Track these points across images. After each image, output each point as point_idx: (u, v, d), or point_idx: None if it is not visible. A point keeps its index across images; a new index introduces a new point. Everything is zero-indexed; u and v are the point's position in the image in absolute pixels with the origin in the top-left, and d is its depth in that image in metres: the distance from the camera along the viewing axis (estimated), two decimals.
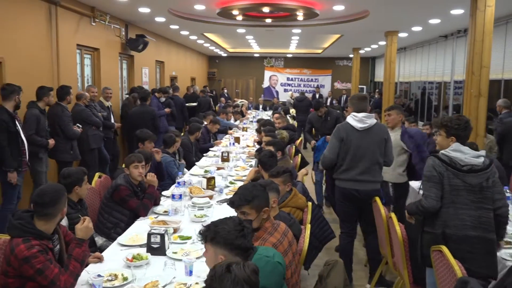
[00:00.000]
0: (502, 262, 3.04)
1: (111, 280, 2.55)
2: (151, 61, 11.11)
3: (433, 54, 11.74)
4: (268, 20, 8.68)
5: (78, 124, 6.01)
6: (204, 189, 4.52)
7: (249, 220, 2.56)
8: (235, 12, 7.56)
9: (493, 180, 2.93)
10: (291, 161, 5.60)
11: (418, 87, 13.54)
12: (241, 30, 10.81)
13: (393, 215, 3.46)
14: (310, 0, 7.17)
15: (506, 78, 8.06)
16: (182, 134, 7.33)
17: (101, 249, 3.39)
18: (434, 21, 8.61)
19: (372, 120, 4.05)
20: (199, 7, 7.61)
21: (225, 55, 18.69)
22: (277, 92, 19.70)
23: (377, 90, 15.88)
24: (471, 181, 2.88)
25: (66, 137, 5.77)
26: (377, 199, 3.85)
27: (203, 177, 5.00)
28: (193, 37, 12.45)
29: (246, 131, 9.90)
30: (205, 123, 8.23)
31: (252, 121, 11.68)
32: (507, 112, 6.72)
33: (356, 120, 4.04)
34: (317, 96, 16.77)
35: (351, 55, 15.79)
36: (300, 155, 6.09)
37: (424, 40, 11.98)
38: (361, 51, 14.86)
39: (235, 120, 11.35)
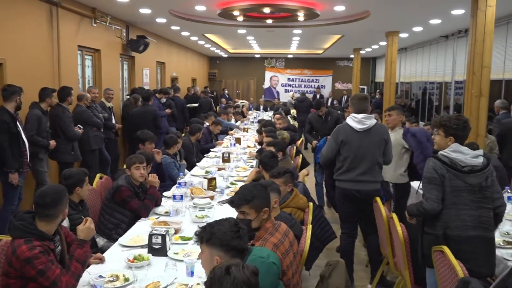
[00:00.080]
0: (504, 262, 3.04)
1: (113, 281, 2.55)
2: (152, 62, 11.12)
3: (434, 54, 11.73)
4: (269, 21, 8.69)
5: (79, 125, 6.01)
6: (205, 189, 4.52)
7: (249, 219, 2.58)
8: (236, 13, 7.56)
9: (492, 179, 2.94)
10: (292, 162, 5.60)
11: (419, 87, 13.53)
12: (241, 31, 10.81)
13: (394, 215, 3.46)
14: (310, 0, 7.18)
15: (507, 78, 8.06)
16: (183, 135, 7.33)
17: (103, 250, 3.39)
18: (435, 21, 8.61)
19: (371, 121, 4.05)
20: (200, 8, 7.62)
21: (225, 55, 18.70)
22: (278, 92, 19.69)
23: (378, 91, 15.88)
24: (471, 181, 2.88)
25: (67, 138, 5.78)
26: (378, 199, 3.85)
27: (204, 177, 5.00)
28: (193, 38, 12.46)
29: (247, 131, 9.91)
30: (207, 124, 8.24)
31: (253, 122, 11.68)
32: (504, 112, 6.73)
33: (355, 121, 4.04)
34: (317, 96, 16.76)
35: (352, 56, 15.78)
36: (301, 155, 6.09)
37: (425, 40, 11.97)
38: (362, 52, 14.86)
39: (236, 121, 11.35)
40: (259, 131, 7.52)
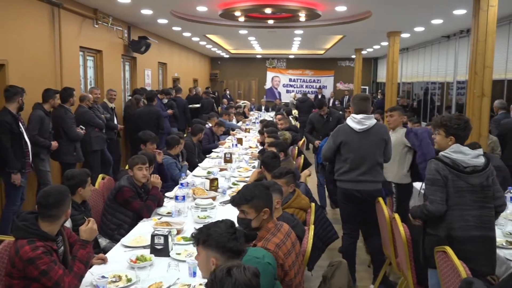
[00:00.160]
0: (507, 263, 3.03)
1: (115, 282, 2.56)
2: (153, 63, 11.13)
3: (436, 54, 11.72)
4: (270, 21, 8.69)
5: (81, 126, 6.02)
6: (207, 190, 4.53)
7: (249, 219, 2.59)
8: (237, 13, 7.56)
9: (492, 179, 2.94)
10: (294, 162, 5.60)
11: (420, 87, 13.51)
12: (243, 31, 10.82)
13: (396, 215, 3.46)
14: (312, 1, 7.17)
15: (509, 78, 8.04)
16: (185, 135, 7.34)
17: (105, 250, 3.39)
18: (437, 21, 8.60)
19: (371, 121, 4.04)
20: (202, 8, 7.63)
21: (227, 56, 18.71)
22: (279, 93, 19.69)
23: (379, 91, 15.87)
24: (473, 181, 2.88)
25: (69, 139, 5.79)
26: (381, 199, 3.85)
27: (206, 178, 5.00)
28: (195, 39, 12.47)
29: (249, 132, 9.91)
30: (209, 124, 8.25)
31: (254, 122, 11.68)
32: (503, 113, 6.73)
33: (355, 122, 4.04)
34: (319, 97, 16.74)
35: (353, 56, 15.77)
36: (303, 156, 6.08)
37: (427, 40, 11.96)
38: (364, 52, 14.85)
39: (237, 121, 11.35)
40: (260, 132, 7.52)
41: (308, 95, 14.25)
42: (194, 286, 2.50)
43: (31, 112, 5.31)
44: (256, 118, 12.68)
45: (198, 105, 11.91)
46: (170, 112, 9.04)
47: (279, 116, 8.42)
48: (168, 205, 4.10)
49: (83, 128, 6.04)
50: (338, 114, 6.98)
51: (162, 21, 8.95)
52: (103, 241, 3.68)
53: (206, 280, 2.15)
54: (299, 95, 15.76)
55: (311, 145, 8.00)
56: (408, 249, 3.27)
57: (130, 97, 8.86)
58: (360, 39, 11.96)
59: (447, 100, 11.08)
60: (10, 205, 4.88)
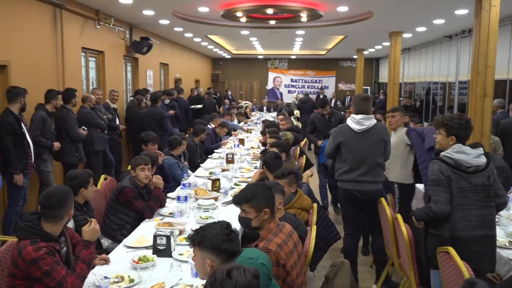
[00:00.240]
0: (510, 263, 3.02)
1: (118, 282, 2.56)
2: (155, 64, 11.14)
3: (438, 54, 11.70)
4: (272, 22, 8.69)
5: (83, 127, 6.03)
6: (209, 191, 4.53)
7: (249, 218, 2.60)
8: (239, 14, 7.57)
9: (494, 178, 2.94)
10: (296, 163, 5.59)
11: (422, 87, 13.49)
12: (245, 32, 10.82)
13: (399, 216, 3.45)
14: (314, 1, 7.17)
15: (511, 78, 8.02)
16: (186, 136, 7.34)
17: (107, 251, 3.40)
18: (439, 21, 8.59)
19: (371, 122, 4.03)
20: (203, 9, 7.63)
21: (228, 57, 18.72)
22: (281, 93, 19.69)
23: (381, 91, 15.85)
24: (475, 181, 2.88)
25: (72, 140, 5.80)
26: (383, 200, 3.85)
27: (208, 179, 5.01)
28: (197, 39, 12.48)
29: (251, 132, 9.91)
30: (212, 125, 8.25)
31: (256, 123, 11.68)
32: (502, 112, 6.71)
33: (354, 122, 4.04)
34: (321, 97, 16.75)
35: (355, 56, 15.77)
36: (304, 156, 6.08)
37: (429, 40, 11.94)
38: (365, 52, 14.84)
39: (239, 122, 11.36)
40: (262, 132, 7.52)
41: (310, 96, 14.24)
42: (197, 286, 2.50)
43: (33, 113, 5.32)
44: (258, 118, 12.68)
45: (200, 106, 11.91)
46: (172, 113, 9.06)
47: (281, 117, 8.42)
48: (170, 205, 4.10)
49: (85, 128, 6.05)
50: (340, 114, 6.96)
51: (163, 21, 8.96)
52: (105, 242, 3.68)
53: None
54: (300, 96, 15.75)
55: (312, 146, 7.99)
56: (410, 249, 3.26)
57: (132, 98, 8.87)
58: (361, 39, 11.95)
59: (449, 100, 11.05)
60: (12, 205, 4.90)
